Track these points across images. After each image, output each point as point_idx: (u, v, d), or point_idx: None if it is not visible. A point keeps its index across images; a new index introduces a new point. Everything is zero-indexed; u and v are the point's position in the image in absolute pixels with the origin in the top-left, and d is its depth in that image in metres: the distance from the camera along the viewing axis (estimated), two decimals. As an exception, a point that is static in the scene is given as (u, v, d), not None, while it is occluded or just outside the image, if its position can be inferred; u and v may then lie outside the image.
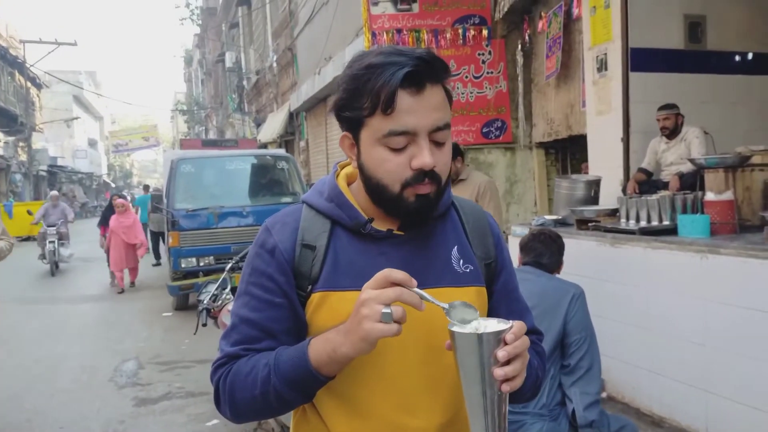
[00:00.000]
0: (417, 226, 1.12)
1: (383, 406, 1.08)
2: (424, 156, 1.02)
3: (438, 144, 1.05)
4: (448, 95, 1.09)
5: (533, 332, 1.25)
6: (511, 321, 0.94)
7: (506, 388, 0.91)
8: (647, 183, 4.93)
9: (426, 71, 1.02)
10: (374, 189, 1.08)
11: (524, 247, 2.85)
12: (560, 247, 2.84)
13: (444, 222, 1.18)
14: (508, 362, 0.91)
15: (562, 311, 2.55)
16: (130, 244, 10.06)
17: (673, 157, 4.95)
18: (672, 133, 4.93)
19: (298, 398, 1.04)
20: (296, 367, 1.00)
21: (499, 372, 0.90)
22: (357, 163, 1.10)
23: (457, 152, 4.13)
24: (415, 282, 0.95)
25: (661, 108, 4.93)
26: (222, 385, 1.08)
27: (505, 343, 0.91)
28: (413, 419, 1.08)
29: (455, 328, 0.92)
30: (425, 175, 1.03)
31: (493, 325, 0.93)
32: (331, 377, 1.02)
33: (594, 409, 2.48)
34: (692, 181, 4.41)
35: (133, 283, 10.32)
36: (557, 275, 2.83)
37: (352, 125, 1.07)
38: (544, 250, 2.79)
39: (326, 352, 0.98)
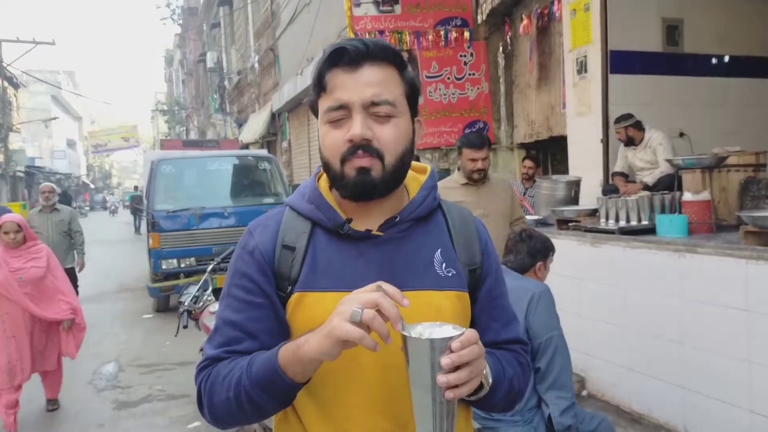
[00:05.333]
0: (394, 228, 1.12)
1: (360, 411, 1.08)
2: (353, 127, 1.04)
3: (379, 120, 1.06)
4: (410, 83, 1.11)
5: (517, 342, 1.23)
6: (464, 329, 0.92)
7: (450, 395, 0.90)
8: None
9: (361, 51, 1.05)
10: (325, 167, 1.11)
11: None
12: (531, 249, 2.74)
13: (427, 224, 1.17)
14: (455, 370, 0.90)
15: (521, 312, 2.50)
16: (42, 321, 4.30)
17: (641, 164, 5.05)
18: (630, 142, 5.02)
19: (268, 401, 1.02)
20: (265, 368, 1.00)
21: (442, 379, 0.89)
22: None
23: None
24: (407, 301, 0.93)
25: (615, 121, 5.02)
26: (203, 388, 1.08)
27: (451, 351, 0.89)
28: (389, 422, 1.08)
29: (404, 332, 0.92)
30: (359, 147, 1.04)
31: (446, 330, 0.92)
32: (299, 382, 1.00)
33: (570, 413, 2.48)
34: (669, 181, 4.48)
35: (53, 403, 4.67)
36: (534, 276, 2.75)
37: (316, 114, 1.13)
38: (512, 250, 2.78)
39: (291, 349, 0.98)
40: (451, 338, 0.90)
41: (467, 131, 7.67)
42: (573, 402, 2.52)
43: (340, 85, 1.05)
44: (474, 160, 3.59)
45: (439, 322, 0.95)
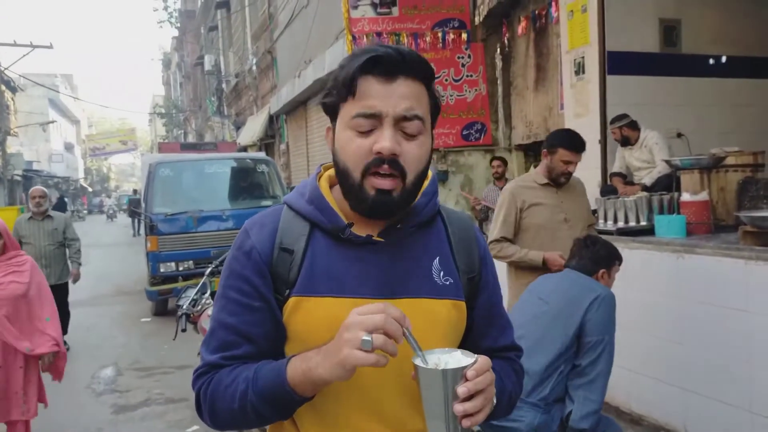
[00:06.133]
0: (395, 234, 1.10)
1: (356, 415, 1.07)
2: (384, 139, 1.01)
3: (407, 136, 1.03)
4: (434, 101, 1.08)
5: (512, 348, 1.24)
6: (476, 356, 0.93)
7: (467, 423, 0.91)
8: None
9: (398, 62, 1.02)
10: (341, 175, 1.07)
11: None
12: (594, 255, 2.69)
13: (428, 231, 1.15)
14: (470, 398, 0.91)
15: (582, 308, 2.50)
16: (14, 354, 3.31)
17: (638, 163, 5.07)
18: (626, 142, 5.05)
19: (274, 414, 1.03)
20: (273, 384, 0.99)
21: (459, 408, 0.90)
22: (332, 151, 1.10)
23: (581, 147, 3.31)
24: (409, 323, 0.93)
25: (610, 122, 5.06)
26: (203, 395, 1.07)
27: (466, 379, 0.91)
28: (385, 427, 1.07)
29: (418, 362, 0.92)
30: (386, 161, 1.01)
31: (457, 359, 0.93)
32: (308, 398, 1.01)
33: (592, 418, 2.45)
34: (668, 182, 4.48)
35: None
36: (598, 280, 2.68)
37: (331, 113, 1.09)
38: (575, 255, 2.75)
39: (302, 370, 0.97)
40: (464, 368, 0.91)
41: (465, 133, 7.67)
42: (599, 409, 2.49)
43: (374, 93, 1.02)
44: (569, 162, 3.22)
45: (448, 348, 0.98)
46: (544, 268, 3.12)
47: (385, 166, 1.02)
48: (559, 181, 3.28)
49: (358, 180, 1.04)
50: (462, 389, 0.89)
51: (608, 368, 2.52)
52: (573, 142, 3.23)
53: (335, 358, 0.92)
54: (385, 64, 1.01)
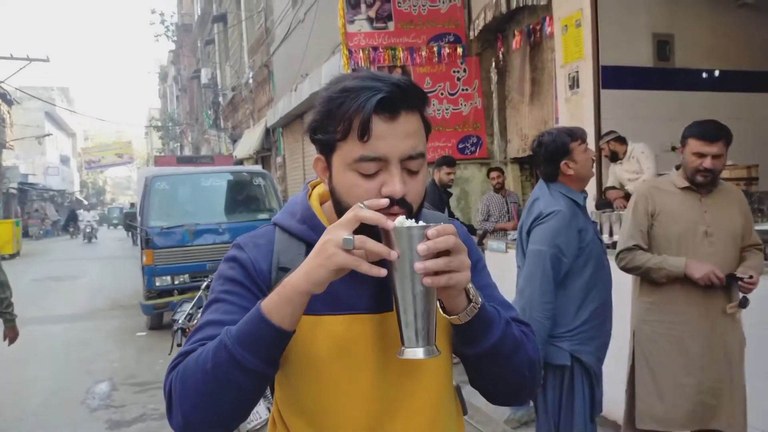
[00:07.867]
0: None
1: (354, 427, 1.07)
2: (394, 184, 1.00)
3: (411, 173, 1.03)
4: (426, 125, 1.07)
5: (517, 321, 1.19)
6: (442, 223, 0.93)
7: (428, 281, 0.89)
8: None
9: (401, 98, 1.00)
10: (344, 214, 1.07)
11: None
12: (546, 155, 2.61)
13: None
14: (435, 258, 0.90)
15: (525, 229, 2.57)
16: None
17: (628, 175, 5.16)
18: (615, 157, 5.20)
19: (252, 360, 0.93)
20: (248, 321, 0.95)
21: (419, 266, 0.89)
22: (329, 186, 1.09)
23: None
24: (385, 201, 0.96)
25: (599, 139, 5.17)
26: (174, 383, 0.99)
27: (428, 239, 0.90)
28: None
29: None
30: (394, 202, 1.01)
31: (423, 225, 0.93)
32: (287, 332, 0.94)
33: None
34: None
35: None
36: (566, 179, 2.62)
37: (325, 148, 1.06)
38: (535, 161, 2.73)
39: (275, 292, 0.95)
40: (426, 227, 0.91)
41: (461, 146, 7.70)
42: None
43: (378, 134, 0.99)
44: (700, 155, 2.58)
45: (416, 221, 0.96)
46: (687, 281, 2.60)
47: (395, 207, 1.01)
48: (696, 180, 2.63)
49: None
50: (421, 246, 0.89)
51: (536, 281, 2.43)
52: (704, 130, 2.62)
53: (315, 261, 0.91)
54: (390, 102, 0.99)
